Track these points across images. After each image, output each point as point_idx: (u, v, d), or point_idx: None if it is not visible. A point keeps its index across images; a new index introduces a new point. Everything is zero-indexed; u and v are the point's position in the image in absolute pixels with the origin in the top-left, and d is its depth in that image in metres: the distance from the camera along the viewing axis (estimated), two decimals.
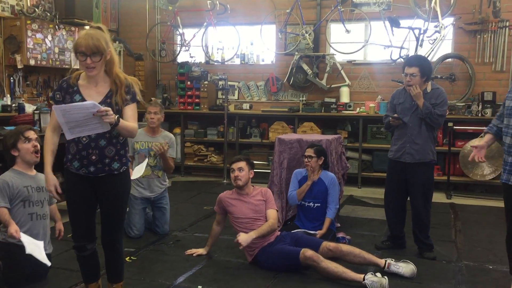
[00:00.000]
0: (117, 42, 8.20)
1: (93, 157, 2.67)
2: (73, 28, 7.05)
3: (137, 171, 4.28)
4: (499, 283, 3.42)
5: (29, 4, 6.59)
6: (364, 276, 3.26)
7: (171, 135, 4.72)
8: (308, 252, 3.42)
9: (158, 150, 4.34)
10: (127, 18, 8.49)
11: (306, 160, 4.29)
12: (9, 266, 3.17)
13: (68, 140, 2.66)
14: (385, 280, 3.22)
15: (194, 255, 3.96)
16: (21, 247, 2.97)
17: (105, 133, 2.65)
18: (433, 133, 4.03)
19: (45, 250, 3.16)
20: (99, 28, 2.71)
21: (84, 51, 2.57)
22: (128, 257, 3.91)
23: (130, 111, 2.76)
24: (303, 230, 4.13)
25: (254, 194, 3.81)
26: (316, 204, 4.29)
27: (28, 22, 6.25)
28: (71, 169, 2.71)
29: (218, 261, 3.89)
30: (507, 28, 6.57)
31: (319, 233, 4.12)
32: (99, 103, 2.59)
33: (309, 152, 4.30)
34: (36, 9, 6.52)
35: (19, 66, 6.24)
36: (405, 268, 3.50)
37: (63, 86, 2.73)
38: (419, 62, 3.98)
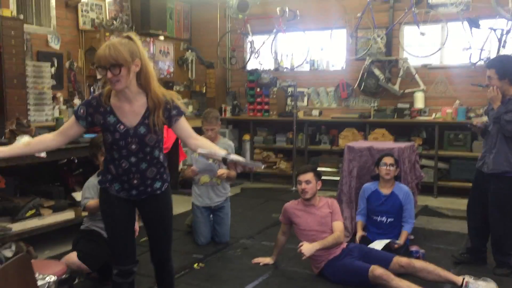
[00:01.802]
0: (189, 51, 8.44)
1: (135, 181, 2.49)
2: (148, 39, 7.34)
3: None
4: None
5: (108, 17, 6.94)
6: None
7: (230, 142, 4.71)
8: (377, 271, 3.26)
9: (222, 178, 4.34)
10: (199, 28, 8.70)
11: (387, 167, 4.13)
12: (90, 249, 3.41)
13: (107, 160, 2.52)
14: None
15: (260, 264, 3.93)
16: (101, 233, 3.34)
17: (146, 155, 2.47)
18: None
19: None
20: (128, 37, 2.40)
21: (102, 64, 2.32)
22: (196, 264, 3.96)
23: (185, 124, 2.54)
24: (388, 240, 3.96)
25: (321, 205, 3.72)
26: (389, 219, 4.13)
27: (107, 34, 6.58)
28: (111, 191, 2.53)
29: (285, 271, 3.83)
30: None
31: (397, 244, 3.95)
32: (136, 125, 2.42)
33: (391, 160, 4.17)
34: (114, 22, 6.86)
35: (98, 77, 6.58)
36: (486, 286, 3.25)
37: (92, 103, 2.46)
38: (496, 63, 3.73)
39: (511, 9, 6.09)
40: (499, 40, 6.19)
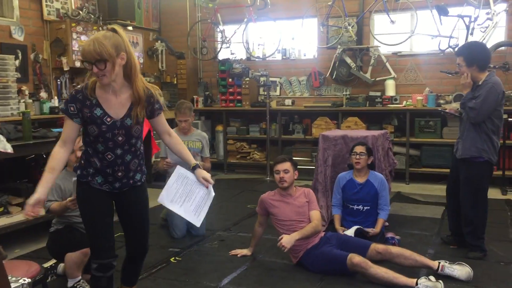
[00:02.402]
0: (159, 41, 8.28)
1: (119, 174, 2.51)
2: None
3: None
4: None
5: (73, 7, 6.72)
6: (417, 281, 3.10)
7: (204, 134, 4.66)
8: (355, 259, 3.28)
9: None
10: (168, 17, 8.54)
11: (357, 157, 4.14)
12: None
13: (89, 153, 2.50)
14: (440, 285, 3.04)
15: (238, 255, 3.91)
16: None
17: (131, 147, 2.52)
18: (482, 129, 3.71)
19: None
20: (113, 30, 2.40)
21: (87, 58, 2.34)
22: (173, 258, 3.91)
23: (163, 119, 2.68)
24: (357, 227, 3.99)
25: (297, 195, 3.72)
26: (365, 207, 4.16)
27: (73, 24, 6.37)
28: (93, 184, 2.51)
29: (263, 262, 3.82)
30: None
31: (372, 231, 3.99)
32: (122, 117, 2.45)
33: (361, 149, 4.17)
34: (80, 12, 6.64)
35: (65, 69, 6.39)
36: (461, 270, 3.31)
37: (78, 98, 2.44)
38: (464, 50, 3.80)
39: None
40: (467, 28, 6.28)
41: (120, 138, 2.47)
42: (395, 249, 3.51)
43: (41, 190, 2.39)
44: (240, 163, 7.71)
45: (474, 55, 3.73)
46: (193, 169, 2.68)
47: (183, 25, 8.34)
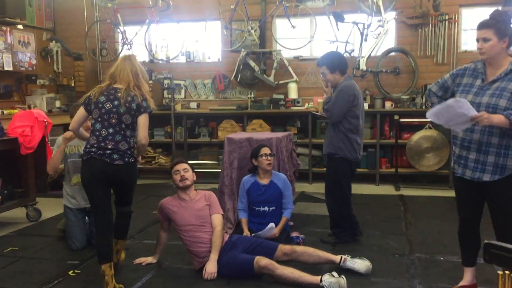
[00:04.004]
0: (53, 41, 7.79)
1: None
2: (4, 28, 6.61)
3: None
4: (450, 274, 3.45)
5: None
6: (321, 278, 3.19)
7: None
8: (262, 262, 3.30)
9: None
10: (64, 16, 8.07)
11: (268, 158, 4.20)
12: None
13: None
14: (343, 280, 3.16)
15: (143, 264, 3.76)
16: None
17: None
18: (339, 129, 4.06)
19: None
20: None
21: None
22: (72, 271, 3.66)
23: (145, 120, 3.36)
24: (272, 224, 4.04)
25: (197, 198, 3.66)
26: (271, 208, 4.21)
27: None
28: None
29: (169, 269, 3.71)
30: (446, 22, 6.75)
31: (274, 234, 4.04)
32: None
33: (268, 150, 4.26)
34: None
35: None
36: (361, 264, 3.47)
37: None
38: (326, 60, 4.14)
39: (371, 5, 6.58)
40: (361, 34, 6.66)
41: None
42: (299, 248, 3.59)
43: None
44: (145, 168, 7.49)
45: (335, 62, 4.10)
46: None
47: (80, 25, 7.93)
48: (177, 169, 3.63)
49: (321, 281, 3.18)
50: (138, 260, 3.81)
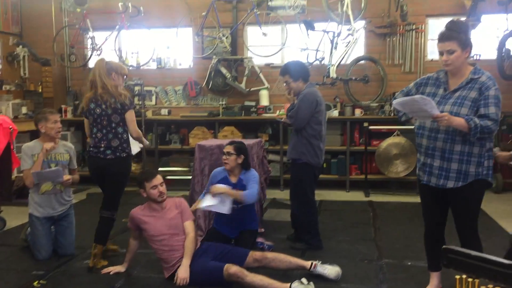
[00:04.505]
0: (20, 46, 7.62)
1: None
2: None
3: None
4: (418, 279, 3.51)
5: None
6: (291, 285, 3.19)
7: (71, 145, 4.40)
8: (232, 269, 3.28)
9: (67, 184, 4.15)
10: (31, 21, 7.91)
11: (224, 157, 4.09)
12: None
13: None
14: (311, 286, 3.17)
15: (111, 273, 3.69)
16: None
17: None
18: (302, 134, 4.16)
19: None
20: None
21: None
22: (36, 282, 3.57)
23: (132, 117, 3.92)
24: (208, 194, 3.95)
25: (169, 207, 3.62)
26: (239, 205, 4.08)
27: None
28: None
29: (138, 278, 3.66)
30: (413, 31, 6.91)
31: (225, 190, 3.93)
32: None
33: (228, 148, 4.09)
34: None
35: None
36: (331, 270, 3.50)
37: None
38: (288, 69, 4.23)
39: (341, 14, 6.68)
40: (332, 42, 6.76)
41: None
42: (270, 254, 3.60)
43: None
44: None
45: (298, 70, 4.20)
46: None
47: (48, 30, 7.78)
48: (155, 184, 3.55)
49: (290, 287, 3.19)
50: (106, 270, 3.74)
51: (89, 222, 5.16)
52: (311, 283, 3.21)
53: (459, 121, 2.76)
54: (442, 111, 2.82)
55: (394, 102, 2.88)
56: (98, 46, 7.39)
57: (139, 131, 3.90)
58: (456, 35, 2.81)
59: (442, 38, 2.85)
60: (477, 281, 1.72)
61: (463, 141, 2.83)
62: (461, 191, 2.88)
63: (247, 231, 4.11)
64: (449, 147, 2.87)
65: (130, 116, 3.78)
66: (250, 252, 3.56)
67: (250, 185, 4.03)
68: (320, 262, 3.56)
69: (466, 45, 2.82)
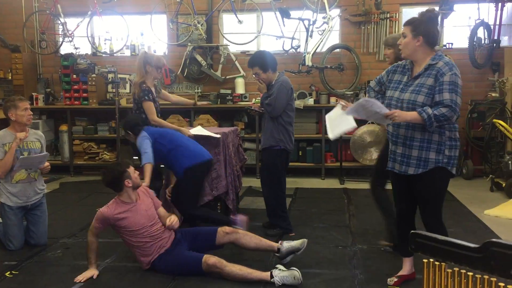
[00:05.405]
0: None
1: None
2: None
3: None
4: (391, 264, 3.58)
5: None
6: (272, 273, 3.20)
7: (41, 133, 4.33)
8: (210, 260, 3.27)
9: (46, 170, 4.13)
10: (0, 6, 7.66)
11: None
12: None
13: None
14: (297, 272, 3.17)
15: (82, 281, 3.36)
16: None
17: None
18: (279, 122, 4.23)
19: None
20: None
21: None
22: (8, 272, 3.51)
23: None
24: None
25: (140, 197, 3.53)
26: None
27: None
28: None
29: (113, 267, 3.63)
30: (388, 20, 6.97)
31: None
32: None
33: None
34: None
35: None
36: (297, 242, 3.54)
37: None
38: (256, 60, 4.28)
39: (316, 2, 6.68)
40: (307, 30, 6.76)
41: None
42: (241, 230, 3.62)
43: None
44: (88, 164, 7.27)
45: (266, 62, 4.28)
46: None
47: (17, 15, 7.57)
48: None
49: (271, 277, 3.18)
50: (78, 278, 3.39)
51: (62, 212, 5.12)
52: (296, 269, 3.20)
53: (411, 115, 2.82)
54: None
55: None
56: (70, 32, 7.22)
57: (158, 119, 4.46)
58: (412, 21, 2.92)
59: (404, 23, 3.00)
60: (444, 264, 1.76)
61: (423, 128, 2.87)
62: (421, 178, 2.94)
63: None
64: (410, 134, 2.93)
65: (144, 106, 4.38)
66: (220, 228, 3.57)
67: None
68: (286, 241, 3.58)
69: (418, 33, 2.88)
